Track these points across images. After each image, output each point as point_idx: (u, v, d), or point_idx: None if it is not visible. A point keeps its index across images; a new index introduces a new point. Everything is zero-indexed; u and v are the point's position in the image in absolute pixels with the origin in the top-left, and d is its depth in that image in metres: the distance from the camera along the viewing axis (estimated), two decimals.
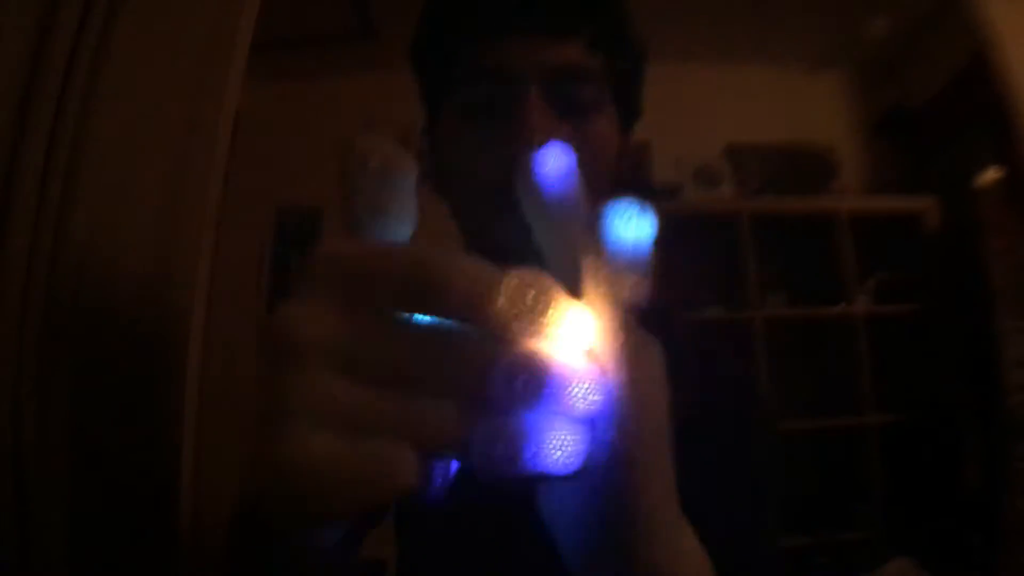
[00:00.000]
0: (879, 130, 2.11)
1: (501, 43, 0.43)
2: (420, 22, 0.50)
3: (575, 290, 0.19)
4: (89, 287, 0.64)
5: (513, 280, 0.17)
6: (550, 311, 0.17)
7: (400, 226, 0.21)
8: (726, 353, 0.60)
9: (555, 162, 0.21)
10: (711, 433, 0.38)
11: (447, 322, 0.18)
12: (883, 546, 1.65)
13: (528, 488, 0.21)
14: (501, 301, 0.17)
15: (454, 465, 0.19)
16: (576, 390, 0.17)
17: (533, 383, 0.17)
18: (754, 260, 1.84)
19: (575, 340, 0.18)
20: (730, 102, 2.12)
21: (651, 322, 0.22)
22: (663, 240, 0.21)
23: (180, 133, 0.78)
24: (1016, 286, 1.60)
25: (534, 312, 0.17)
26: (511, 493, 0.19)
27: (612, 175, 0.48)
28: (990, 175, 1.67)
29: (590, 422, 0.18)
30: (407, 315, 0.18)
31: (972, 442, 1.70)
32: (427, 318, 0.18)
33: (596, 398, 0.18)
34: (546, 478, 0.17)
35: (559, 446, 0.17)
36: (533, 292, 0.17)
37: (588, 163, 0.47)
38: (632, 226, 0.20)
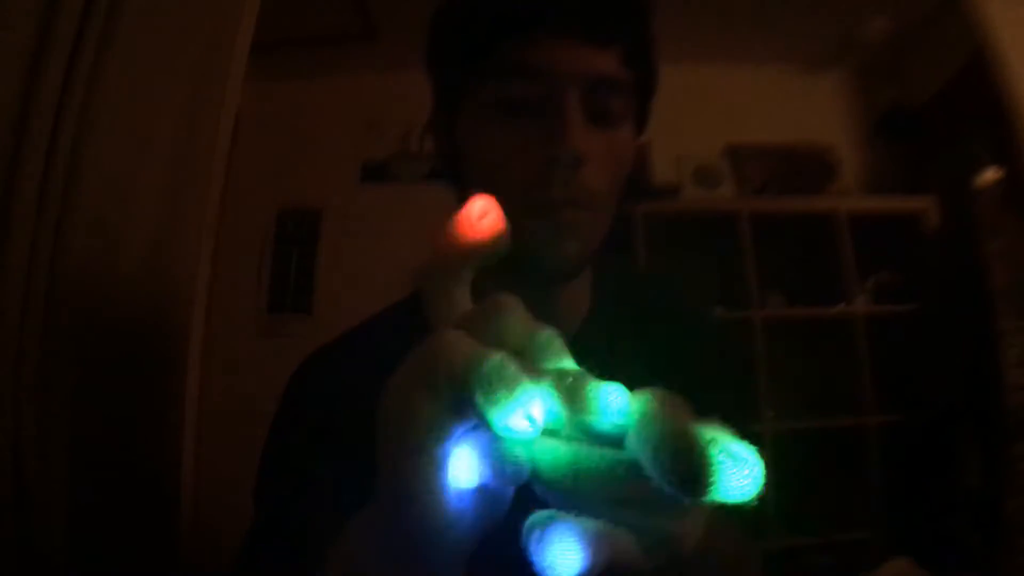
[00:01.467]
0: (879, 130, 2.11)
1: (547, 43, 0.44)
2: (455, 11, 0.49)
3: None
4: (89, 288, 0.65)
5: None
6: None
7: None
8: None
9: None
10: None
11: None
12: (883, 546, 1.65)
13: None
14: None
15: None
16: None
17: None
18: (754, 260, 1.84)
19: None
20: (730, 102, 2.12)
21: None
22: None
23: (180, 134, 0.78)
24: (1016, 286, 1.60)
25: None
26: None
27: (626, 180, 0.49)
28: (990, 175, 1.67)
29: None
30: None
31: (972, 442, 1.70)
32: None
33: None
34: None
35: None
36: None
37: (614, 170, 0.48)
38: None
